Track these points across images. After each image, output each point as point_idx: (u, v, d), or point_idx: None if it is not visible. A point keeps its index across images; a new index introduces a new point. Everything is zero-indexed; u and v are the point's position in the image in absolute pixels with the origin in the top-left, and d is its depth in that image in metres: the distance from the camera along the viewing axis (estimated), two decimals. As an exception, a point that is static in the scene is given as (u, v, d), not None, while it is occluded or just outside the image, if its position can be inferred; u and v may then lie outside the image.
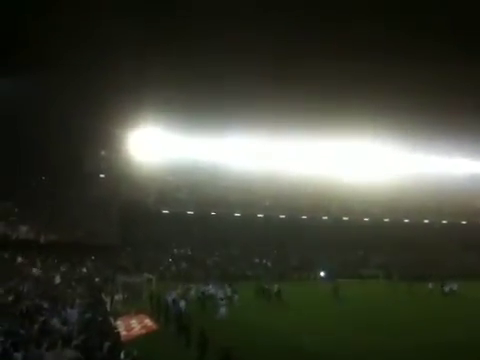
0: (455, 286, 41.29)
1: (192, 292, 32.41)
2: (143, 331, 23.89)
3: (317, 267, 55.32)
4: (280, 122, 58.86)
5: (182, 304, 26.06)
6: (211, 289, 33.89)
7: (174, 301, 27.16)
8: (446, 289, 41.12)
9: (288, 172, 63.86)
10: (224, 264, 54.10)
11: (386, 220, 67.69)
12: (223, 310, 27.29)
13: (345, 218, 66.17)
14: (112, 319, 23.09)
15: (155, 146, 59.80)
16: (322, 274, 54.47)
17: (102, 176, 58.79)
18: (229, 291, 33.38)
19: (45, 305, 17.82)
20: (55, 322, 15.00)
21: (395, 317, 27.97)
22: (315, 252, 57.16)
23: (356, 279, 51.40)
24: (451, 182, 68.75)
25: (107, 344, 14.92)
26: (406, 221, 68.72)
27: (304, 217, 65.06)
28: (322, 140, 62.80)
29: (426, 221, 69.32)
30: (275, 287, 36.05)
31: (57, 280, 27.00)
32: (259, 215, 63.40)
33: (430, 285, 42.06)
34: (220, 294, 31.71)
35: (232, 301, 31.72)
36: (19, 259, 28.35)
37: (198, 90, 54.97)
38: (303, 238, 58.19)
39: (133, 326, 24.84)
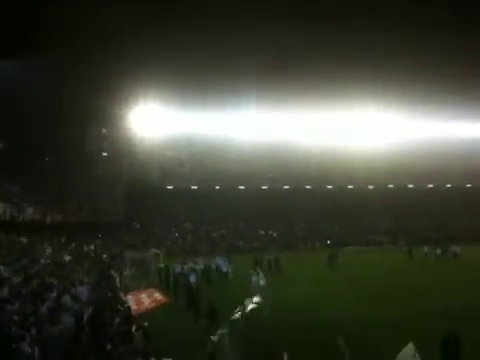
0: (458, 249, 41.46)
1: (199, 266, 32.61)
2: (153, 305, 24.20)
3: (323, 236, 55.70)
4: (282, 93, 58.39)
5: (192, 278, 26.31)
6: (217, 261, 34.09)
7: (182, 274, 27.44)
8: (449, 252, 41.32)
9: (291, 143, 63.60)
10: (230, 237, 54.54)
11: (390, 186, 67.68)
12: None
13: (350, 186, 66.19)
14: (122, 294, 23.41)
15: (157, 122, 59.54)
16: (329, 242, 54.86)
17: (105, 154, 58.77)
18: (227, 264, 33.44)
19: (55, 283, 18.01)
20: (66, 299, 15.18)
21: (398, 283, 27.96)
22: (321, 221, 57.43)
23: (363, 246, 51.76)
24: (455, 146, 68.33)
25: (118, 319, 15.16)
26: (410, 186, 68.71)
27: (308, 187, 65.12)
28: (324, 109, 62.25)
29: (430, 186, 69.28)
30: (272, 258, 35.97)
31: (66, 259, 27.24)
32: (263, 187, 63.49)
33: (429, 250, 42.20)
34: (224, 267, 32.18)
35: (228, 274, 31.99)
36: (27, 239, 28.56)
37: (199, 63, 54.41)
38: (308, 208, 58.36)
39: (143, 300, 25.17)
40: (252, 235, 56.04)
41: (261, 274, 25.32)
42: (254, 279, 24.66)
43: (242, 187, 62.44)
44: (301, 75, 57.06)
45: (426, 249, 42.02)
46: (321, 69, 57.55)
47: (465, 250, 40.87)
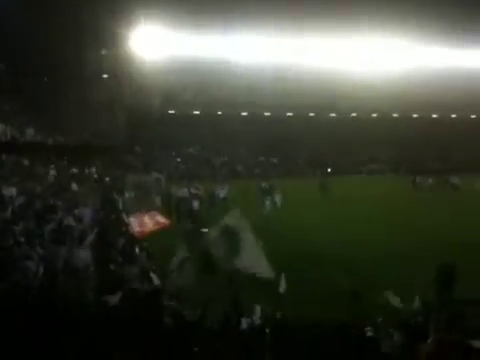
0: (456, 180, 41.58)
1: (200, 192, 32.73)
2: (156, 227, 24.47)
3: (324, 164, 55.74)
4: (286, 17, 55.97)
5: (195, 203, 26.49)
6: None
7: (184, 199, 27.62)
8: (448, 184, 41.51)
9: (294, 69, 61.84)
10: (231, 163, 54.65)
11: (395, 115, 66.83)
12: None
13: (353, 114, 65.35)
14: (125, 216, 23.64)
15: (160, 45, 57.62)
16: (329, 171, 55.02)
17: (105, 76, 57.46)
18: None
19: (58, 205, 18.10)
20: (69, 221, 15.27)
21: (390, 213, 28.27)
22: (323, 149, 57.24)
23: (364, 175, 51.96)
24: (461, 75, 66.48)
25: (122, 240, 15.34)
26: (415, 116, 67.86)
27: (312, 114, 64.31)
28: (328, 34, 59.94)
29: (435, 116, 68.40)
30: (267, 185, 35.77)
31: (68, 181, 27.31)
32: (266, 113, 62.70)
33: (426, 180, 42.45)
34: (221, 193, 32.37)
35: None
36: (28, 161, 28.50)
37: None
38: (311, 136, 57.94)
39: (146, 222, 25.41)
40: (253, 161, 56.11)
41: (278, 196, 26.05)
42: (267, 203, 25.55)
43: (245, 113, 61.63)
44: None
45: (430, 180, 42.07)
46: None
47: (467, 181, 40.85)
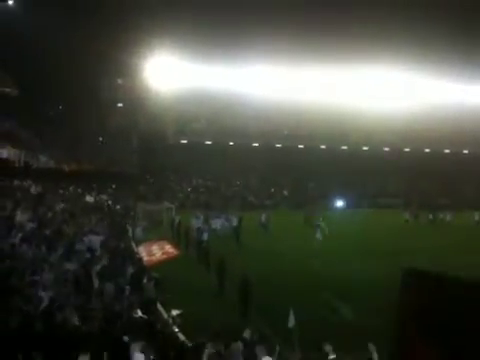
0: (448, 216, 41.68)
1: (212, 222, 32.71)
2: (164, 257, 24.49)
3: (334, 196, 55.56)
4: (300, 50, 56.91)
5: (205, 233, 26.47)
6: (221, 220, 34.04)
7: (199, 229, 27.62)
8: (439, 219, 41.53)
9: (307, 101, 62.40)
10: (242, 193, 54.67)
11: (406, 150, 66.84)
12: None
13: (365, 148, 65.45)
14: (134, 245, 23.68)
15: (173, 75, 58.65)
16: (340, 204, 54.88)
17: (120, 105, 58.46)
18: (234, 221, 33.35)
19: (69, 231, 18.18)
20: (79, 247, 15.33)
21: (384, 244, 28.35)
22: (333, 182, 57.11)
23: (373, 208, 51.65)
24: (473, 111, 66.55)
25: (130, 269, 15.31)
26: (426, 151, 67.81)
27: (323, 147, 64.53)
28: (342, 68, 60.70)
29: (447, 151, 68.28)
30: (263, 217, 36.07)
31: (80, 208, 27.48)
32: (277, 145, 63.02)
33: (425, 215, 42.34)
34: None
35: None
36: (41, 187, 28.79)
37: (217, 17, 53.15)
38: (322, 168, 57.96)
39: (154, 252, 25.46)
40: (264, 192, 56.09)
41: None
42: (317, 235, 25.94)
43: (256, 144, 62.02)
44: (321, 32, 55.54)
45: (430, 216, 42.11)
46: (343, 26, 55.97)
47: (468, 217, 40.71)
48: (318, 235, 28.29)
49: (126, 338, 8.15)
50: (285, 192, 57.38)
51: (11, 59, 40.56)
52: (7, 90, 42.84)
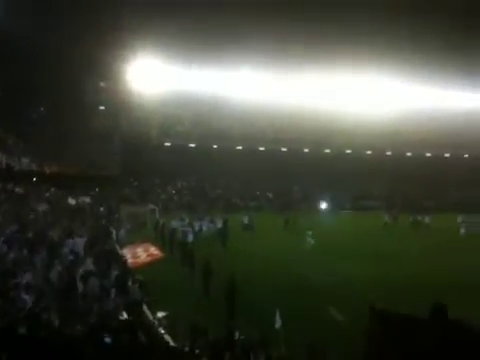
0: (427, 219, 41.87)
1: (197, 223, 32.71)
2: (149, 259, 24.41)
3: (318, 199, 55.97)
4: (284, 54, 57.36)
5: (190, 235, 26.43)
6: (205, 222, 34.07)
7: (183, 231, 27.59)
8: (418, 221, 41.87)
9: (290, 105, 62.76)
10: (226, 196, 54.70)
11: (388, 153, 67.60)
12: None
13: (348, 151, 66.01)
14: (118, 248, 23.52)
15: (156, 78, 58.49)
16: (323, 206, 55.32)
17: (102, 108, 58.05)
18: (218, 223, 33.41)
19: (51, 234, 18.00)
20: (63, 250, 15.20)
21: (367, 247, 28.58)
22: (317, 184, 57.47)
23: (356, 211, 52.22)
24: (454, 115, 67.71)
25: (115, 272, 15.23)
26: (408, 154, 68.67)
27: (306, 150, 64.92)
28: (325, 72, 61.20)
29: (428, 154, 69.24)
30: (246, 219, 36.66)
31: (62, 210, 27.22)
32: (261, 148, 63.21)
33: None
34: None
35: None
36: (23, 190, 28.45)
37: (200, 20, 53.10)
38: (305, 171, 58.28)
39: (139, 254, 25.37)
40: (248, 195, 56.20)
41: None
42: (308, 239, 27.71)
43: (240, 147, 62.13)
44: (304, 35, 55.87)
45: (410, 219, 42.30)
46: (325, 30, 56.39)
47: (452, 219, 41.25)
48: (307, 243, 28.37)
49: (109, 340, 8.08)
50: (269, 195, 57.56)
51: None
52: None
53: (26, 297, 9.81)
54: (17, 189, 27.87)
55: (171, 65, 58.54)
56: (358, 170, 59.17)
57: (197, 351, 8.47)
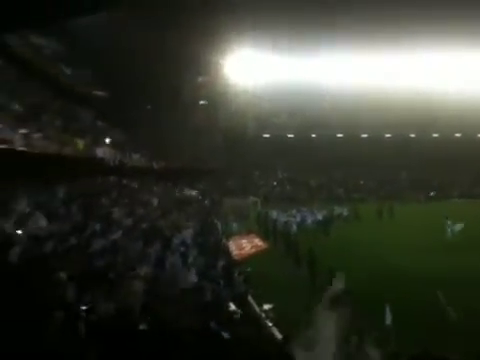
0: None
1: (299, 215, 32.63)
2: (253, 250, 24.75)
3: (426, 187, 53.16)
4: (383, 36, 54.72)
5: (294, 227, 26.45)
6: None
7: (286, 223, 27.70)
8: None
9: (393, 89, 59.90)
10: (328, 186, 53.86)
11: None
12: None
13: (457, 135, 61.76)
14: (224, 239, 24.18)
15: (254, 70, 58.94)
16: (432, 194, 52.45)
17: (203, 103, 59.68)
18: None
19: (163, 227, 18.89)
20: (173, 243, 15.88)
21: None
22: (424, 172, 54.59)
23: (469, 199, 48.71)
24: None
25: (221, 263, 15.65)
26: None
27: (412, 135, 61.80)
28: (428, 52, 57.45)
29: None
30: (344, 210, 35.60)
31: (170, 204, 28.46)
32: (363, 135, 61.31)
33: None
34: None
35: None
36: (135, 185, 30.22)
37: (295, 7, 52.41)
38: (411, 157, 55.58)
39: (244, 246, 25.80)
40: (351, 185, 54.81)
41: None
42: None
43: (340, 135, 60.75)
44: (407, 15, 52.83)
45: None
46: (420, 10, 52.79)
47: None
48: (449, 232, 26.87)
49: (225, 333, 8.28)
50: (372, 183, 55.66)
51: (99, 63, 42.56)
52: (99, 93, 45.10)
53: (142, 288, 10.36)
54: (130, 184, 29.66)
55: (268, 56, 58.62)
56: (470, 154, 55.16)
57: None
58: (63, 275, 8.87)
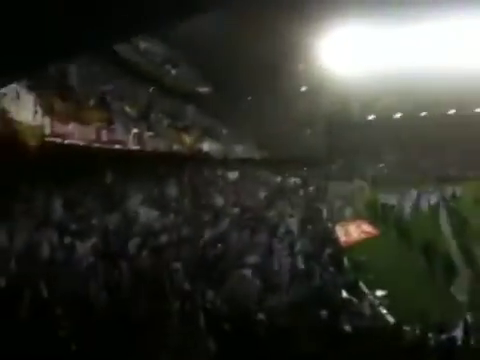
0: None
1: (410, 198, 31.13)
2: (362, 236, 24.12)
3: None
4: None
5: (405, 212, 25.39)
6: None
7: (396, 207, 26.73)
8: None
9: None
10: (439, 166, 50.77)
11: None
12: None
13: None
14: (330, 226, 23.88)
15: (354, 51, 57.00)
16: None
17: (303, 89, 59.06)
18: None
19: (269, 215, 19.12)
20: (279, 231, 16.01)
21: None
22: None
23: None
24: None
25: (328, 250, 15.50)
26: None
27: None
28: None
29: None
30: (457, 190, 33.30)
31: (275, 193, 28.67)
32: (477, 110, 56.71)
33: None
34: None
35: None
36: (240, 176, 30.85)
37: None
38: None
39: (352, 232, 25.23)
40: (465, 163, 51.03)
41: None
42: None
43: (451, 112, 56.76)
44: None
45: None
46: None
47: None
48: None
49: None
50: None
51: (202, 59, 43.74)
52: (203, 89, 46.49)
53: (254, 277, 10.54)
54: (235, 176, 30.36)
55: (369, 37, 56.25)
56: None
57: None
58: (177, 265, 9.33)
